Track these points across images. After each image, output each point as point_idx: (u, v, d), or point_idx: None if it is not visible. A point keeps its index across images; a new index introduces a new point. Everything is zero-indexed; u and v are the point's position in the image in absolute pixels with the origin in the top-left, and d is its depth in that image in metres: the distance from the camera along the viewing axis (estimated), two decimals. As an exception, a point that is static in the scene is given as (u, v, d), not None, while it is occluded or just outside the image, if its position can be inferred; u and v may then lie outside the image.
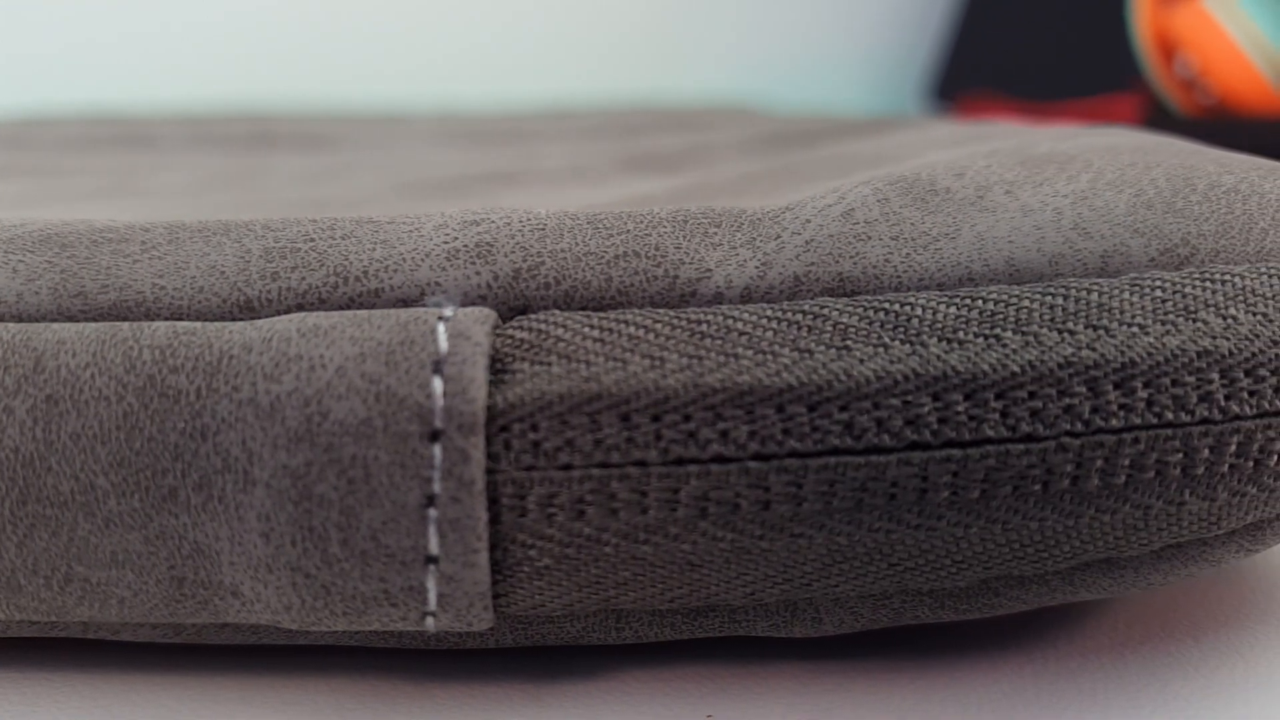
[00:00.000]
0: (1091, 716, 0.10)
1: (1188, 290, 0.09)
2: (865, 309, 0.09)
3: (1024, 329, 0.09)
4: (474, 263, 0.09)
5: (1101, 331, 0.09)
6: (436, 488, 0.08)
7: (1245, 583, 0.12)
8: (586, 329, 0.09)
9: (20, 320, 0.09)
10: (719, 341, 0.09)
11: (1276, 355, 0.09)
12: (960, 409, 0.08)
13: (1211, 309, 0.09)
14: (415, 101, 0.49)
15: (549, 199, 0.15)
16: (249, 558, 0.09)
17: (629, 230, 0.10)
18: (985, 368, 0.09)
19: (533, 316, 0.09)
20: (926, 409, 0.08)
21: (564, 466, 0.09)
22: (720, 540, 0.09)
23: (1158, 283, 0.09)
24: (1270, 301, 0.09)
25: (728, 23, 0.55)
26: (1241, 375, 0.09)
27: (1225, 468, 0.09)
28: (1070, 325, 0.09)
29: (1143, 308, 0.09)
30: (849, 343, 0.09)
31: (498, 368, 0.09)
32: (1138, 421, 0.09)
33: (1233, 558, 0.10)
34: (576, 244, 0.10)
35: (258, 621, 0.09)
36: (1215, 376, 0.09)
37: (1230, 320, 0.09)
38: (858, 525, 0.09)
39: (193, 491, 0.09)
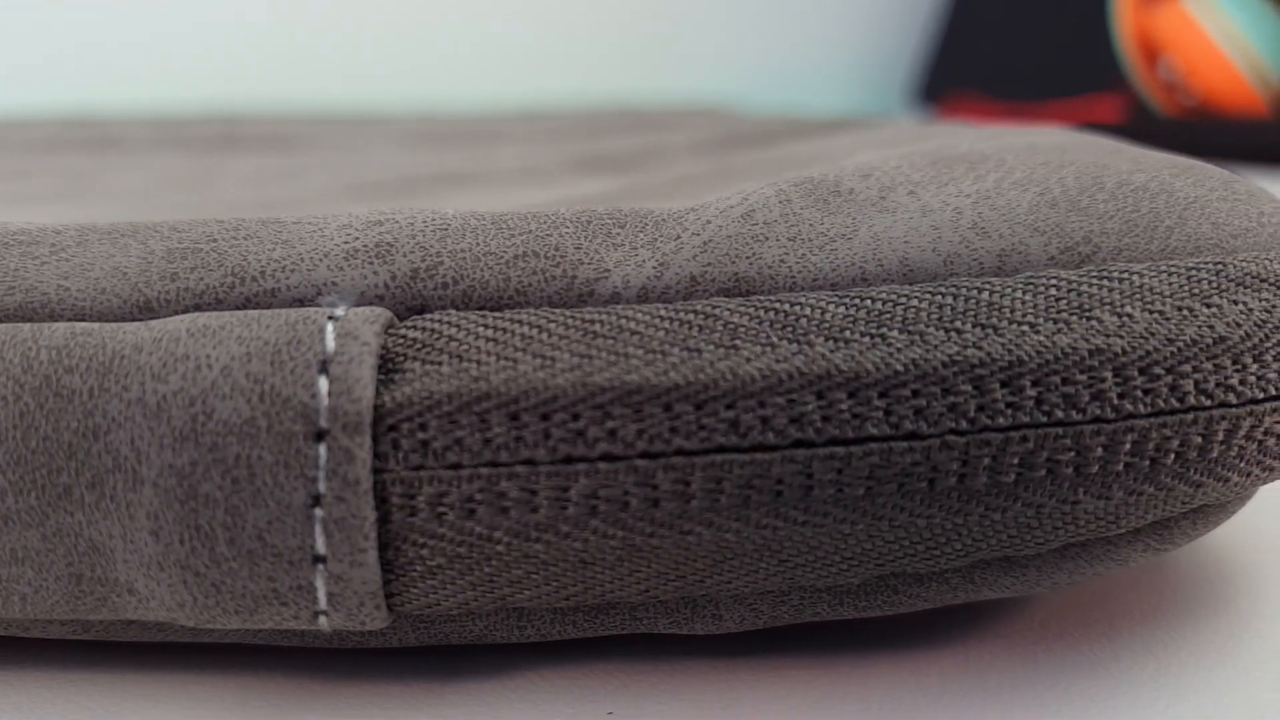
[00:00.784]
0: (993, 715, 0.10)
1: (1083, 289, 0.09)
2: (756, 309, 0.09)
3: (910, 328, 0.09)
4: (372, 262, 0.09)
5: (989, 330, 0.09)
6: (322, 487, 0.08)
7: (1166, 581, 0.12)
8: (480, 329, 0.09)
9: None
10: (610, 341, 0.09)
11: (1172, 354, 0.09)
12: (844, 407, 0.09)
13: (1107, 307, 0.09)
14: (400, 104, 0.50)
15: (493, 199, 0.16)
16: (141, 555, 0.09)
17: (531, 231, 0.10)
18: (869, 366, 0.09)
19: (428, 316, 0.09)
20: (811, 407, 0.09)
21: (453, 466, 0.09)
22: (611, 538, 0.09)
23: (1052, 281, 0.09)
24: (1169, 299, 0.09)
25: (716, 25, 0.55)
26: (1136, 374, 0.09)
27: (1120, 466, 0.09)
28: (958, 324, 0.09)
29: (1034, 306, 0.09)
30: (737, 342, 0.09)
31: (388, 367, 0.09)
32: (1026, 420, 0.09)
33: (1140, 557, 0.10)
34: (477, 244, 0.10)
35: (155, 618, 0.09)
36: (1108, 375, 0.09)
37: (1125, 318, 0.09)
38: (745, 522, 0.09)
39: (86, 490, 0.09)
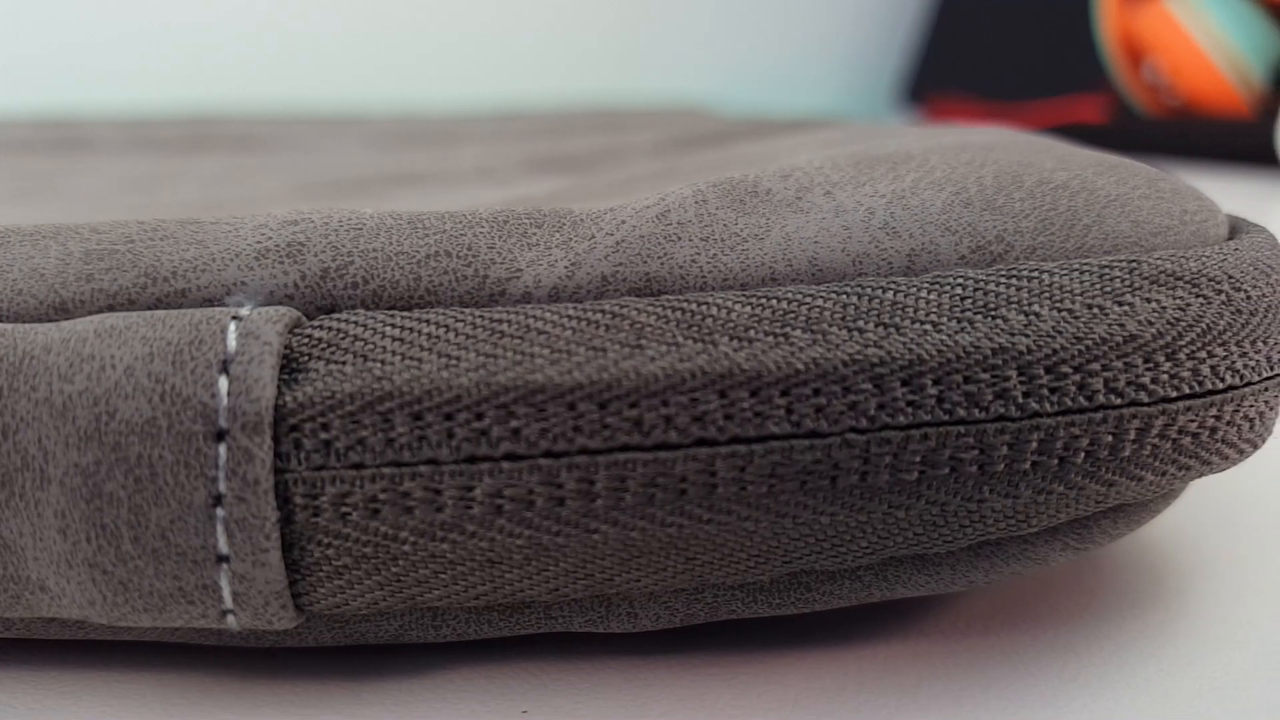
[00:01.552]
0: (909, 713, 0.10)
1: (990, 287, 0.09)
2: (663, 308, 0.09)
3: (813, 327, 0.09)
4: (282, 262, 0.09)
5: (891, 329, 0.09)
6: (222, 487, 0.08)
7: (1098, 581, 0.12)
8: (387, 328, 0.09)
9: None
10: (516, 340, 0.09)
11: (1080, 352, 0.09)
12: (745, 405, 0.09)
13: (1013, 306, 0.09)
14: (383, 105, 0.50)
15: (444, 199, 0.16)
16: (50, 553, 0.09)
17: (445, 230, 0.10)
18: (770, 365, 0.09)
19: (335, 316, 0.09)
20: (713, 406, 0.09)
21: (356, 465, 0.09)
22: (517, 537, 0.09)
23: (959, 280, 0.09)
24: (1079, 298, 0.09)
25: (703, 25, 0.55)
26: (1042, 372, 0.09)
27: (1027, 465, 0.09)
28: (860, 323, 0.09)
29: (939, 305, 0.09)
30: (643, 341, 0.09)
31: (292, 367, 0.09)
32: (927, 418, 0.09)
33: (1060, 556, 0.10)
34: (389, 244, 0.10)
35: (69, 616, 0.09)
36: (1013, 373, 0.09)
37: (1032, 317, 0.09)
38: (650, 520, 0.09)
39: None
